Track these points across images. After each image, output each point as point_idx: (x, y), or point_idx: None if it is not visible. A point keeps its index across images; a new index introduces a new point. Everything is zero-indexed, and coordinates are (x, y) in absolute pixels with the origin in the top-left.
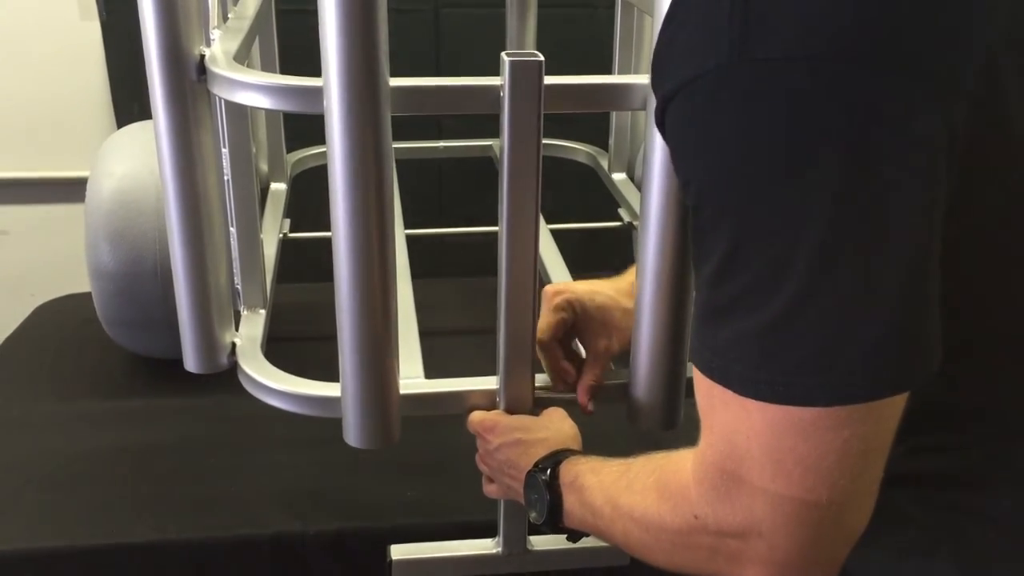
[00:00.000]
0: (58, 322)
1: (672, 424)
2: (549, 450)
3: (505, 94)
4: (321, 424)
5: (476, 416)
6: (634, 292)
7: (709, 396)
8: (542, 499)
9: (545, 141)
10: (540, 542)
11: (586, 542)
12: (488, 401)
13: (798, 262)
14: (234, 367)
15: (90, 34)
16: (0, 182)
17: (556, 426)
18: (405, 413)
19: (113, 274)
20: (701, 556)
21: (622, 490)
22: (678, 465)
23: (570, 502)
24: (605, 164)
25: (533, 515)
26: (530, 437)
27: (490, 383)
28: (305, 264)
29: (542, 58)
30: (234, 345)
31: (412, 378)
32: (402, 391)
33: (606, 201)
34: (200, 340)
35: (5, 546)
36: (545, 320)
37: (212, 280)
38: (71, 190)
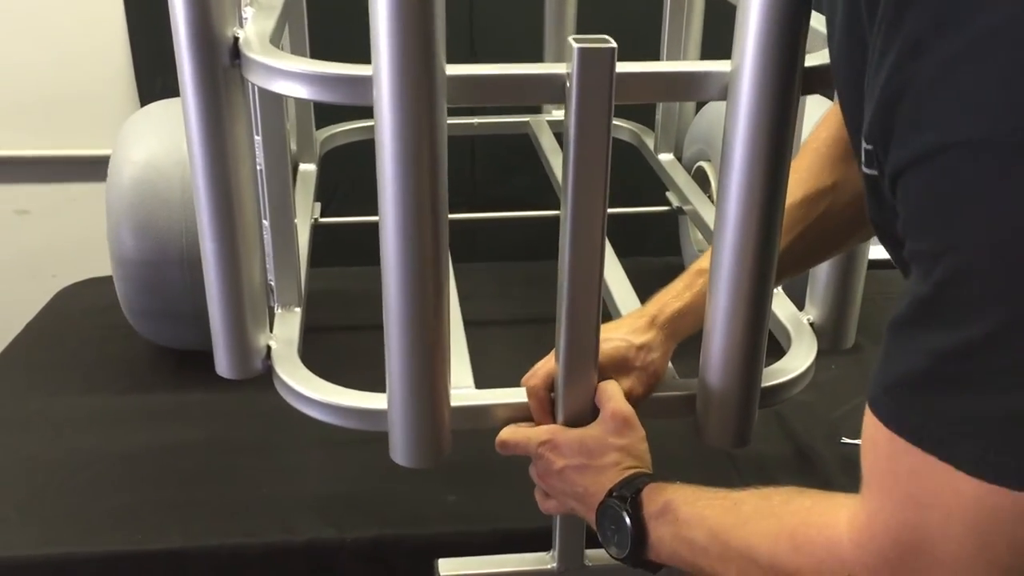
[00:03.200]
0: (80, 309)
1: (744, 442)
2: (621, 474)
3: (573, 84)
4: None
5: (532, 435)
6: (654, 324)
7: (893, 460)
8: (623, 531)
9: None
10: (597, 557)
11: None
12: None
13: None
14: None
15: (112, 6)
16: (20, 160)
17: (623, 443)
18: (456, 427)
19: (137, 265)
20: None
21: (733, 527)
22: (823, 519)
23: (659, 535)
24: (651, 143)
25: (613, 550)
26: (597, 463)
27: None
28: (333, 248)
29: (615, 44)
30: (269, 348)
31: (462, 388)
32: (453, 403)
33: (647, 182)
34: (233, 343)
35: (25, 551)
36: (547, 366)
37: (246, 278)
38: (93, 168)
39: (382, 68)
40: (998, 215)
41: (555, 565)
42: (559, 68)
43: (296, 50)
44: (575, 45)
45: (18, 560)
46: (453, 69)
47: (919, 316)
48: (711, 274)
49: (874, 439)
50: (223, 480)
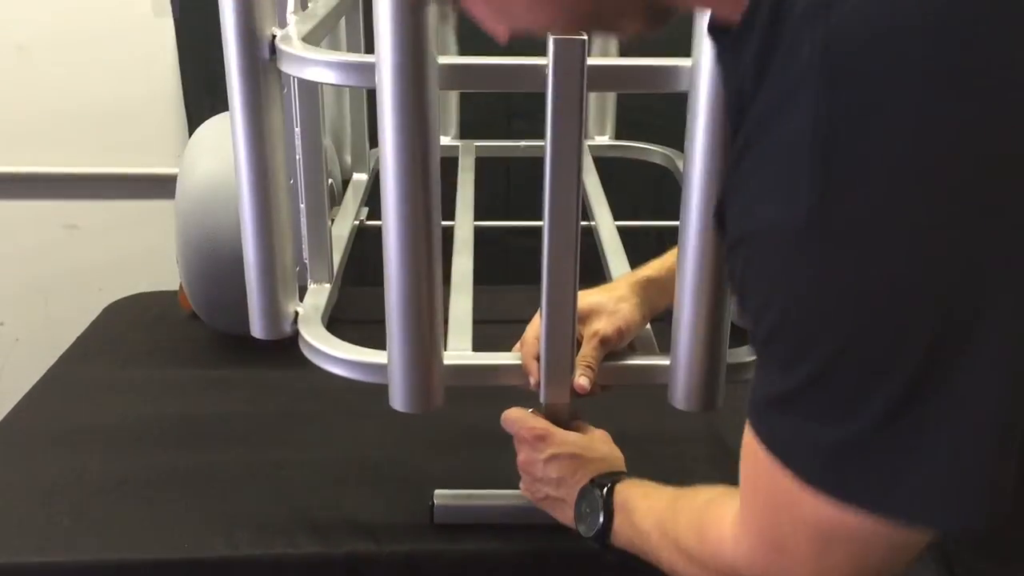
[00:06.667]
0: (127, 324)
1: (713, 405)
2: (604, 469)
3: (550, 72)
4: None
5: (528, 423)
6: (628, 286)
7: (757, 466)
8: (595, 515)
9: (619, 143)
10: None
11: None
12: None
13: (880, 397)
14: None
15: (164, 31)
16: (71, 177)
17: (608, 448)
18: (451, 383)
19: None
20: None
21: (669, 519)
22: (718, 513)
23: (619, 522)
24: (681, 165)
25: (582, 528)
26: (589, 455)
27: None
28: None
29: (585, 38)
30: (297, 314)
31: (459, 350)
32: (447, 361)
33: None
34: (265, 308)
35: (78, 556)
36: (535, 323)
37: (278, 251)
38: (141, 186)
39: (383, 56)
40: (791, 286)
41: None
42: (540, 60)
43: (353, 51)
44: (552, 38)
45: (78, 565)
46: (446, 59)
47: (760, 358)
48: (679, 250)
49: (747, 445)
50: (267, 493)
